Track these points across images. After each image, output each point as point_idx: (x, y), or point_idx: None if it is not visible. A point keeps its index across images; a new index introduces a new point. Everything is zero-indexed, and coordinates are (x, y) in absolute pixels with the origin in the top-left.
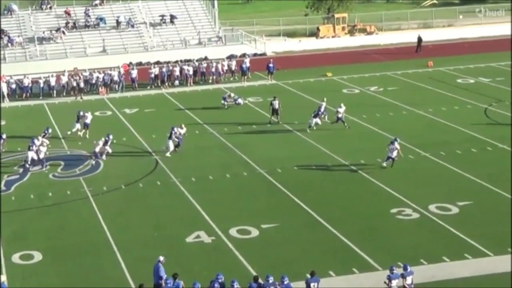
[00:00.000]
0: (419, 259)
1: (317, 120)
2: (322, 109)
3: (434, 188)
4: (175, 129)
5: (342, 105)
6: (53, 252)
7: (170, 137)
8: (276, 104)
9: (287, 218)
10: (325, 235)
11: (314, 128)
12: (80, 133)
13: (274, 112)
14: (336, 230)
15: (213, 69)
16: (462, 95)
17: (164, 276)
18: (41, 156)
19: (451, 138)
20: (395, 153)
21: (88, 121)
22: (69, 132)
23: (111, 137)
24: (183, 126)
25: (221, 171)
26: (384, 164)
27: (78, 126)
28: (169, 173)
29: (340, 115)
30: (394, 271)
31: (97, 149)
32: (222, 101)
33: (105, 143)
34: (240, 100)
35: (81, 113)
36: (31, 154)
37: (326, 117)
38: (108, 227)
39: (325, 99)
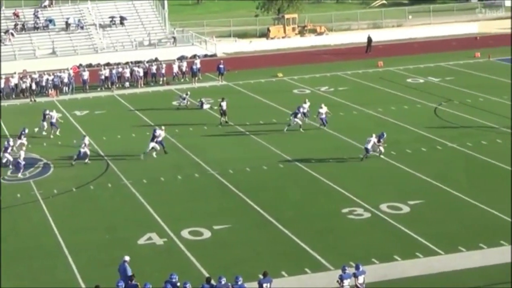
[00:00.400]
0: (370, 259)
1: (297, 120)
2: (301, 110)
3: (385, 188)
4: (157, 131)
5: (322, 105)
6: (4, 256)
7: (152, 140)
8: (224, 105)
9: (239, 219)
10: (277, 236)
11: (299, 127)
12: (45, 133)
13: (223, 113)
14: (288, 230)
15: (163, 71)
16: (412, 95)
17: (130, 275)
18: (20, 160)
19: (401, 138)
20: (370, 145)
21: (54, 120)
22: (36, 130)
23: (87, 138)
24: (162, 128)
25: (173, 172)
26: (361, 156)
27: (45, 124)
28: (120, 175)
29: (323, 116)
30: (346, 271)
31: (88, 151)
32: (180, 101)
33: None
34: (204, 104)
35: (47, 112)
36: (8, 156)
37: (295, 118)
38: (59, 230)
39: (307, 100)
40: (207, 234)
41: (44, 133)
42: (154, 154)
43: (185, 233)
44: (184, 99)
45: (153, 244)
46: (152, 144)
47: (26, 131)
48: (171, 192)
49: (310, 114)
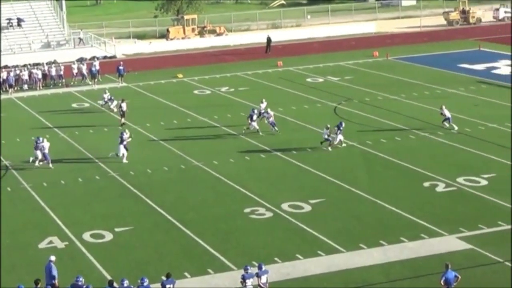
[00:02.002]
0: (273, 258)
1: (254, 124)
2: (255, 111)
3: (286, 187)
4: (124, 134)
5: (269, 110)
6: None
7: (121, 142)
8: (124, 106)
9: (141, 221)
10: (179, 237)
11: (257, 131)
12: None
13: (123, 114)
14: (190, 231)
15: (62, 72)
16: (312, 94)
17: (57, 276)
18: None
19: (301, 137)
20: (325, 135)
21: None
22: None
23: (41, 139)
24: (126, 131)
25: (73, 175)
26: (329, 148)
27: None
28: (20, 178)
29: (271, 119)
30: (248, 271)
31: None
32: (103, 101)
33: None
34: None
35: None
36: None
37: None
38: None
39: (263, 100)
40: (109, 236)
41: None
42: (124, 159)
43: (86, 236)
44: (108, 99)
45: (54, 248)
46: (122, 148)
47: None
48: (71, 195)
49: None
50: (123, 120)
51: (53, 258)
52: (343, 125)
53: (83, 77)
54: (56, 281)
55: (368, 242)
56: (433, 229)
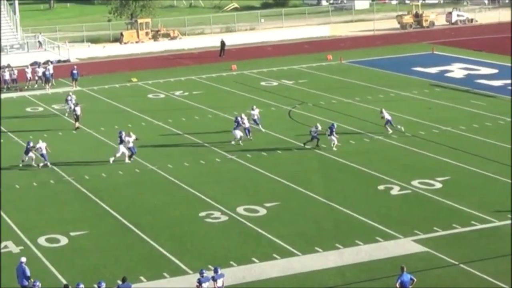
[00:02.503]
0: (229, 261)
1: (238, 131)
2: (240, 120)
3: (242, 190)
4: (123, 134)
5: (243, 115)
6: None
7: (120, 143)
8: (78, 110)
9: (96, 225)
10: (135, 241)
11: (240, 142)
12: None
13: (77, 118)
14: (145, 235)
15: (15, 76)
16: (266, 98)
17: (30, 276)
18: None
19: (256, 140)
20: (314, 134)
21: None
22: None
23: (31, 143)
24: (131, 133)
25: (28, 179)
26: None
27: None
28: None
29: (247, 125)
30: (204, 274)
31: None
32: (68, 105)
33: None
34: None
35: None
36: None
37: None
38: None
39: (255, 107)
40: (64, 241)
41: None
42: (126, 159)
43: (41, 240)
44: (69, 99)
45: (9, 253)
46: (122, 149)
47: None
48: (26, 199)
49: (260, 120)
50: (77, 124)
51: (23, 259)
52: (335, 126)
53: (38, 80)
54: (29, 282)
55: (323, 245)
56: (389, 232)
